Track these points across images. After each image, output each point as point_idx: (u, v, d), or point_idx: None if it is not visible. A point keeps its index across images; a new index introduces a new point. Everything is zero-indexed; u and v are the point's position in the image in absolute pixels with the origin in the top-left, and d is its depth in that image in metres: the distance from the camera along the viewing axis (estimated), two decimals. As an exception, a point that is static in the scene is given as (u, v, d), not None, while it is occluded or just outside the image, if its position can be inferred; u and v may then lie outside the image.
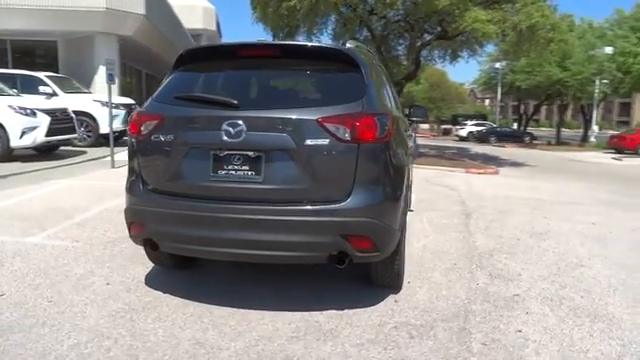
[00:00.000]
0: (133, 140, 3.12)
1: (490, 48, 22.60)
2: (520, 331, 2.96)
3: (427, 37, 20.74)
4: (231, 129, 2.77)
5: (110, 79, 9.43)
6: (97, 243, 4.49)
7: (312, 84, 3.11)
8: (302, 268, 3.71)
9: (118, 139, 13.98)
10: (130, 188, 3.15)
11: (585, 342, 2.86)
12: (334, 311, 3.12)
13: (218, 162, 2.85)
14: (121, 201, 6.18)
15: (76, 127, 11.36)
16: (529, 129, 39.52)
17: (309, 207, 2.76)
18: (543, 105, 42.14)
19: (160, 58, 21.79)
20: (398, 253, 3.18)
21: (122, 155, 10.79)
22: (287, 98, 3.03)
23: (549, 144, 32.48)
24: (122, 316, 3.00)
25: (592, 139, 33.47)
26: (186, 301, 3.23)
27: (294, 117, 2.78)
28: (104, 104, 13.03)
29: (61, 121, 10.75)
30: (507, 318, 3.13)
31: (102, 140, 13.46)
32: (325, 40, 21.00)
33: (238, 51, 3.18)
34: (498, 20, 16.83)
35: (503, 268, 4.12)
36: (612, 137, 28.27)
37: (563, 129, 37.52)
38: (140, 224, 3.05)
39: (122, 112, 13.17)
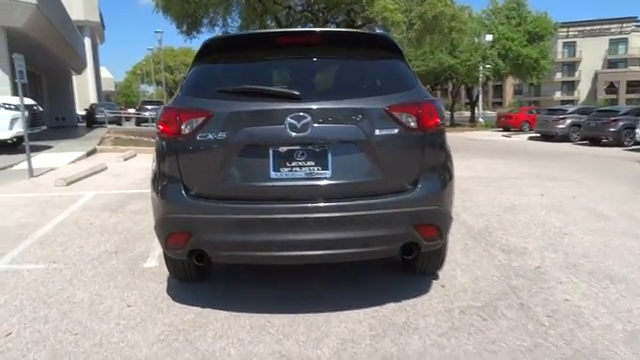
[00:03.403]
0: (167, 141, 2.76)
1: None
2: (567, 300, 3.13)
3: (332, 27, 21.13)
4: (296, 122, 2.57)
5: (20, 76, 8.30)
6: (80, 262, 3.96)
7: (363, 72, 2.96)
8: (325, 266, 3.59)
9: (17, 145, 12.42)
10: (164, 195, 2.78)
11: (622, 302, 3.10)
12: (393, 304, 3.05)
13: (279, 159, 2.63)
14: (71, 214, 5.60)
15: (-27, 134, 9.90)
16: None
17: (382, 199, 2.66)
18: (434, 89, 44.99)
19: (48, 54, 19.67)
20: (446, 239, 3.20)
21: (36, 162, 9.68)
22: (347, 87, 2.87)
23: (445, 125, 34.73)
24: (175, 339, 2.67)
25: (480, 119, 36.54)
26: (233, 313, 2.96)
27: (362, 107, 2.65)
28: (1, 106, 11.51)
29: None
30: (548, 289, 3.29)
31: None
32: (231, 30, 20.57)
33: (275, 39, 2.95)
34: (405, 10, 17.56)
35: (508, 243, 4.33)
36: (500, 117, 31.03)
37: (447, 111, 40.46)
38: (184, 234, 2.72)
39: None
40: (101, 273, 3.70)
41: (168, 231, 2.79)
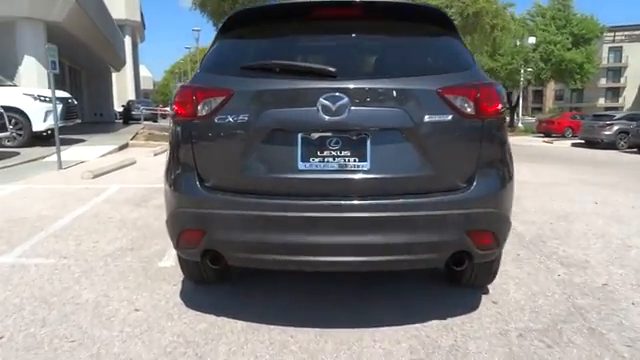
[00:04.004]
0: (181, 125, 2.40)
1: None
2: (647, 326, 2.62)
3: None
4: (330, 104, 2.17)
5: (52, 67, 8.21)
6: (92, 259, 3.67)
7: (411, 49, 2.53)
8: (358, 272, 3.17)
9: (52, 137, 12.47)
10: (177, 186, 2.43)
11: None
12: (437, 321, 2.61)
13: (309, 147, 2.24)
14: (92, 207, 5.37)
15: (7, 124, 9.92)
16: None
17: (430, 199, 2.23)
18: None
19: (88, 51, 19.94)
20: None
21: (67, 155, 9.63)
22: (392, 65, 2.46)
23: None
24: (183, 353, 2.31)
25: (520, 124, 35.26)
26: (251, 324, 2.58)
27: (409, 87, 2.23)
28: (36, 98, 11.57)
29: (-11, 118, 9.33)
30: (621, 312, 2.78)
31: (33, 139, 11.93)
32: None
33: (310, 10, 2.55)
34: (446, 6, 16.96)
35: (566, 255, 3.81)
36: (541, 122, 29.84)
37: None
38: (198, 232, 2.35)
39: (59, 107, 11.67)
40: (112, 271, 3.40)
41: (180, 227, 2.43)
